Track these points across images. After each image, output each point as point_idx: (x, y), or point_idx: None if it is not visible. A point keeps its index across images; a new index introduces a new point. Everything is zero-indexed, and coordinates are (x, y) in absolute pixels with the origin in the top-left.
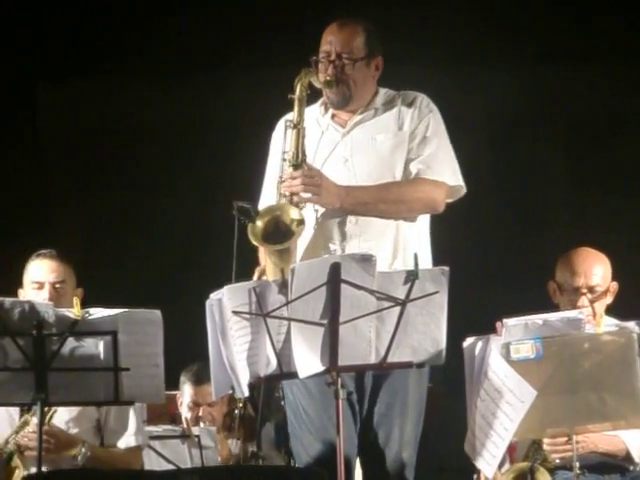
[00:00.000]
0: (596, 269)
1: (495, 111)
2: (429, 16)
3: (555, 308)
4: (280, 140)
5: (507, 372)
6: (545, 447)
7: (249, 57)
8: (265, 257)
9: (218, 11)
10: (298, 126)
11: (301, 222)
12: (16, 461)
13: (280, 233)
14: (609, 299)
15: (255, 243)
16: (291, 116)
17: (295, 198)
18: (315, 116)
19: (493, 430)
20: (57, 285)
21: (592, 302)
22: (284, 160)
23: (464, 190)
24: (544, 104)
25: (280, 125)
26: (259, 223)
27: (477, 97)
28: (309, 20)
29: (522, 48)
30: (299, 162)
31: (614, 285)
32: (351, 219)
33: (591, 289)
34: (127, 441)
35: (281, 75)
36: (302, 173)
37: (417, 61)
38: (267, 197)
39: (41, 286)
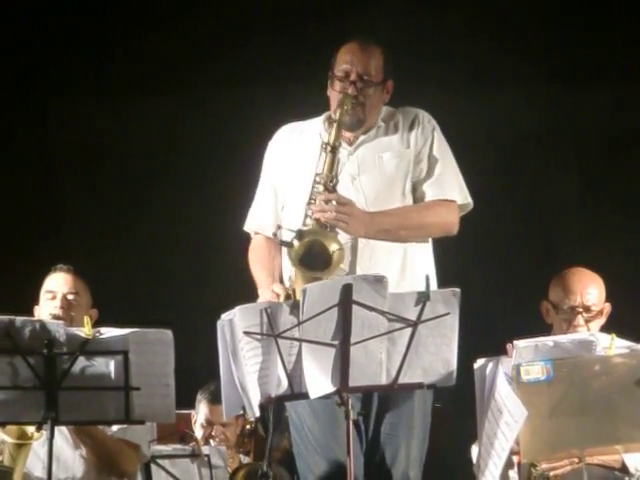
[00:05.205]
0: (592, 289)
1: (506, 129)
2: (439, 35)
3: (548, 328)
4: (278, 151)
5: (507, 393)
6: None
7: (274, 75)
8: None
9: (217, 26)
10: (335, 150)
11: (341, 250)
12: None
13: (313, 255)
14: (603, 320)
15: (292, 267)
16: (291, 125)
17: (323, 220)
18: (318, 130)
19: (494, 450)
20: (69, 296)
21: (587, 321)
22: (317, 182)
23: (471, 205)
24: (555, 123)
25: (280, 135)
26: (297, 249)
27: (488, 115)
28: (307, 39)
29: (534, 67)
30: (332, 187)
31: (608, 306)
32: (362, 240)
33: (587, 309)
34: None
35: (283, 94)
36: (335, 198)
37: (427, 79)
38: (265, 210)
39: (54, 296)
